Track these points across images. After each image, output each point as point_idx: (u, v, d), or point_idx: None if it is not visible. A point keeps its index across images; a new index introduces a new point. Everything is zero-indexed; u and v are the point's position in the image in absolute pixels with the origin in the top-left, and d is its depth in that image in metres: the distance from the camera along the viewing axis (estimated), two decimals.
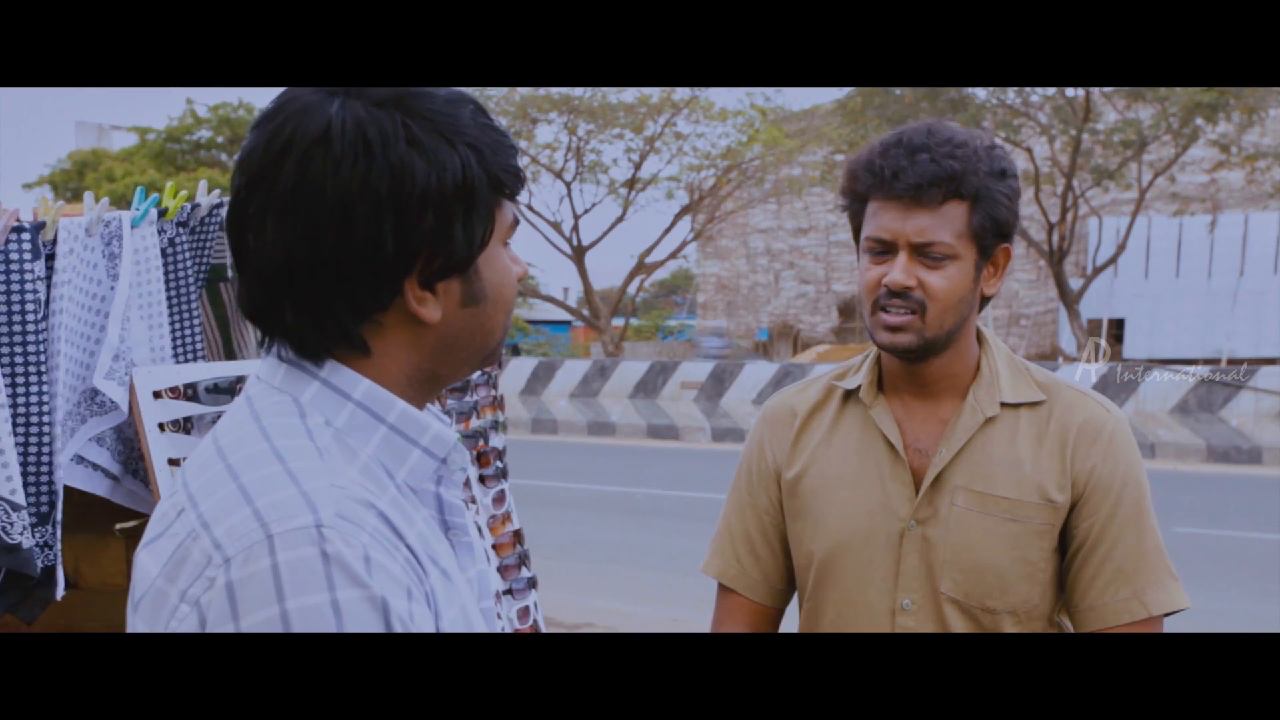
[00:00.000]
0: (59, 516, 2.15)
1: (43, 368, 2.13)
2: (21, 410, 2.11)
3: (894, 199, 1.68)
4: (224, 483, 1.00)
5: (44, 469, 2.14)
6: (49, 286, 2.17)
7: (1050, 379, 1.80)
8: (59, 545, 2.16)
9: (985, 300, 1.78)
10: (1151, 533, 1.73)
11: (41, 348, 2.13)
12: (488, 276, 1.09)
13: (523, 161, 1.15)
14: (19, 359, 2.11)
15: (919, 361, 1.75)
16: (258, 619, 0.93)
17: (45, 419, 2.13)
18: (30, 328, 2.11)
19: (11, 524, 2.07)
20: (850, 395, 1.84)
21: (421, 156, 1.02)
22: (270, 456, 1.01)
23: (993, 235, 1.71)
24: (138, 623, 1.01)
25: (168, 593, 0.98)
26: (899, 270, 1.68)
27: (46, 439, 2.13)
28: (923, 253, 1.68)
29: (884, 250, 1.70)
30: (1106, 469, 1.72)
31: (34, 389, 2.12)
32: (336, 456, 1.03)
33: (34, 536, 2.12)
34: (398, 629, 0.95)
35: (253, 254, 1.05)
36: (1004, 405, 1.76)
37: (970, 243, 1.69)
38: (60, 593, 2.17)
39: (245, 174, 1.05)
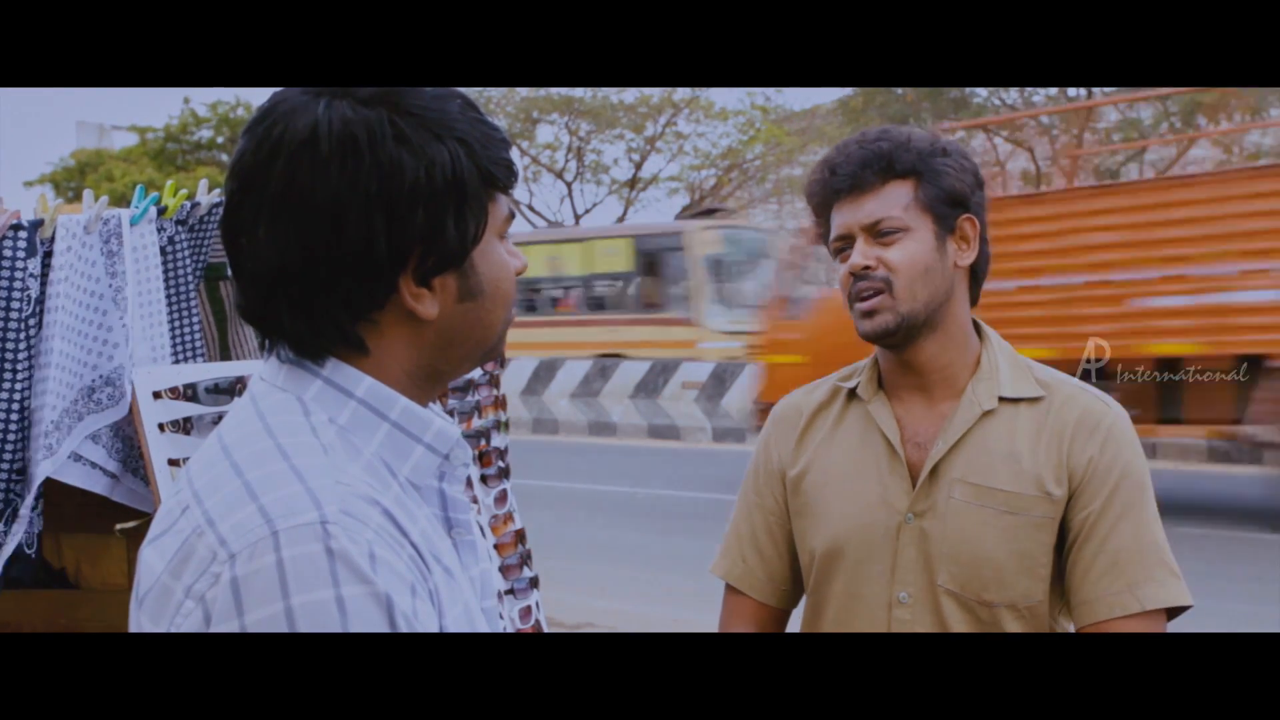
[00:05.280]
0: (25, 511, 2.17)
1: (27, 362, 2.15)
2: (3, 402, 2.14)
3: (842, 195, 1.77)
4: (229, 479, 1.00)
5: (16, 459, 2.16)
6: (44, 284, 2.17)
7: (1052, 376, 1.80)
8: (30, 529, 2.18)
9: (976, 281, 1.80)
10: (1150, 527, 1.72)
11: (27, 342, 2.14)
12: (484, 271, 1.09)
13: (524, 162, 1.15)
14: (5, 353, 2.13)
15: (905, 346, 1.76)
16: (262, 615, 0.93)
17: (23, 411, 2.15)
18: (13, 324, 2.12)
19: None
20: (853, 394, 1.86)
21: (410, 153, 1.02)
22: (275, 453, 1.01)
23: (947, 205, 1.75)
24: (142, 619, 1.01)
25: (172, 589, 0.98)
26: (857, 253, 1.75)
27: (24, 431, 2.16)
28: (875, 233, 1.74)
29: (846, 246, 1.78)
30: (1104, 461, 1.72)
31: (19, 382, 2.14)
32: (340, 453, 1.03)
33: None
34: (401, 626, 0.95)
35: (247, 258, 1.05)
36: (1003, 400, 1.76)
37: (922, 214, 1.74)
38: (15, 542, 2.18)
39: (237, 179, 1.05)
